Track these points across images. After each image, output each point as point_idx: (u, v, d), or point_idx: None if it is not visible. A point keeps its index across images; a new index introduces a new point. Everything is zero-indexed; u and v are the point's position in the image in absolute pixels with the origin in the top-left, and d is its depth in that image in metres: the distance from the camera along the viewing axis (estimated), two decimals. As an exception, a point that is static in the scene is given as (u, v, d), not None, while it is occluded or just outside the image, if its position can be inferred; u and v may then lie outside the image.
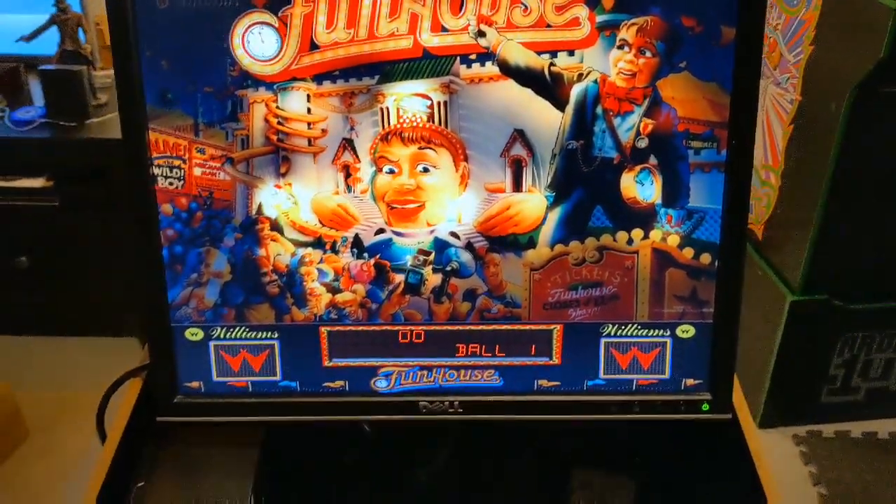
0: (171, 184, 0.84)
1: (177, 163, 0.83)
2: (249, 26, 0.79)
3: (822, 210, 1.69)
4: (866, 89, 1.57)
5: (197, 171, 0.83)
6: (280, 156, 0.83)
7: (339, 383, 0.90)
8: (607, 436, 0.95)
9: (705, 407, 0.88)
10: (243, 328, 0.88)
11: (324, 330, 0.88)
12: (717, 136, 0.81)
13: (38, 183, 2.06)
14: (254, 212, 0.84)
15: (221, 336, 0.88)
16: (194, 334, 0.88)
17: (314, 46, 0.80)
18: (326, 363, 0.89)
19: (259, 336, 0.88)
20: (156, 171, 0.83)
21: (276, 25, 0.79)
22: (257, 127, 0.82)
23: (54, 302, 2.20)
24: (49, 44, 2.04)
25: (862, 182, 1.67)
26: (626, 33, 0.79)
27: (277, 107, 0.81)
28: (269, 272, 0.86)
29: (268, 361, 0.89)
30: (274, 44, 0.80)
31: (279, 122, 0.82)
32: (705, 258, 0.84)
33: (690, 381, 0.89)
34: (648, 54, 0.79)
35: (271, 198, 0.84)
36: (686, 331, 0.87)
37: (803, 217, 1.74)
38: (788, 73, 1.78)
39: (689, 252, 0.85)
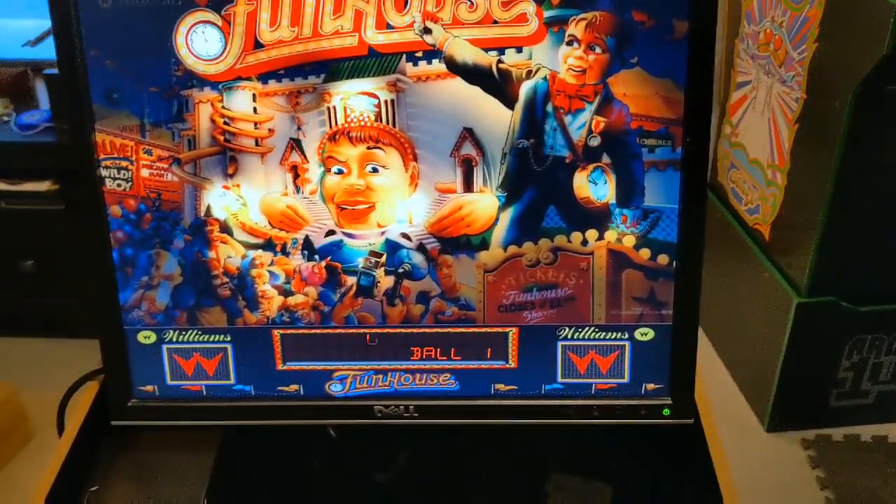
0: (119, 185, 0.83)
1: (124, 164, 0.82)
2: (193, 25, 0.78)
3: (827, 210, 1.65)
4: (870, 87, 1.52)
5: (145, 173, 0.83)
6: (227, 156, 0.82)
7: (293, 387, 0.88)
8: (571, 440, 0.93)
9: (666, 412, 0.86)
10: (195, 331, 0.87)
11: (276, 333, 0.87)
12: (672, 134, 0.78)
13: (43, 187, 2.08)
14: (202, 213, 0.84)
15: (174, 339, 0.87)
16: (147, 337, 0.87)
17: (258, 45, 0.79)
18: (280, 366, 0.88)
19: (212, 339, 0.87)
20: (103, 172, 0.83)
21: (220, 24, 0.78)
22: (203, 127, 0.81)
23: (61, 305, 2.23)
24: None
25: (868, 181, 1.62)
26: (575, 29, 0.76)
27: (223, 106, 0.80)
28: (220, 274, 0.85)
29: (221, 365, 0.88)
30: (218, 43, 0.79)
31: (225, 122, 0.81)
32: (663, 259, 0.82)
33: (651, 386, 0.86)
34: (598, 50, 0.77)
35: (220, 199, 0.83)
36: (645, 333, 0.85)
37: (809, 217, 1.70)
38: (793, 71, 1.74)
39: (645, 253, 0.82)
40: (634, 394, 0.86)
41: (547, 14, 0.76)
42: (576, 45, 0.77)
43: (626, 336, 0.85)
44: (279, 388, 0.88)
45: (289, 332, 0.87)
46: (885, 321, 1.78)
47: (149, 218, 0.84)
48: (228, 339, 0.87)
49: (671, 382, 0.85)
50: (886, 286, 1.75)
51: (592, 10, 0.76)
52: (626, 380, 0.86)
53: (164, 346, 0.88)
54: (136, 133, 0.82)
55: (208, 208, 0.83)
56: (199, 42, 0.79)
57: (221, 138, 0.81)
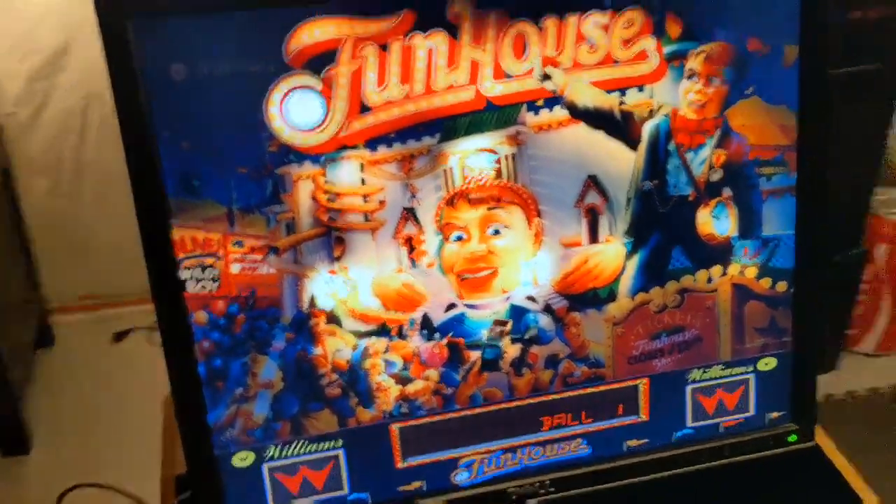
0: (203, 287, 0.70)
1: (209, 261, 0.70)
2: (288, 92, 0.67)
3: None
4: None
5: (235, 268, 0.70)
6: (333, 237, 0.71)
7: (415, 484, 0.79)
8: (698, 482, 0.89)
9: (793, 438, 0.85)
10: (301, 442, 0.75)
11: (395, 428, 0.77)
12: (787, 160, 0.78)
13: None
14: (306, 306, 0.72)
15: (276, 455, 0.75)
16: (243, 459, 0.74)
17: (365, 108, 0.69)
18: (400, 464, 0.78)
19: (320, 447, 0.75)
20: (184, 274, 0.69)
21: (320, 88, 0.68)
22: (304, 207, 0.70)
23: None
24: None
25: None
26: (695, 62, 0.74)
27: (326, 181, 0.70)
28: (329, 372, 0.74)
29: (332, 475, 0.76)
30: (318, 109, 0.69)
31: (329, 199, 0.70)
32: (781, 286, 0.81)
33: (775, 415, 0.85)
34: (717, 82, 0.75)
35: (325, 286, 0.72)
36: (768, 363, 0.83)
37: None
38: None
39: (766, 282, 0.81)
40: (759, 425, 0.85)
41: (667, 49, 0.73)
42: (695, 78, 0.74)
43: (751, 369, 0.83)
44: (399, 488, 0.78)
45: (408, 423, 0.77)
46: None
47: (241, 320, 0.71)
48: (340, 443, 0.76)
49: (794, 407, 0.85)
50: None
51: (710, 41, 0.74)
52: (751, 413, 0.84)
53: (265, 466, 0.75)
54: (223, 224, 0.69)
55: (312, 299, 0.72)
56: (297, 110, 0.68)
57: (325, 217, 0.71)
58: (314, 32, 0.67)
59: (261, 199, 0.69)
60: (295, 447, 0.75)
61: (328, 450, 0.76)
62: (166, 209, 0.67)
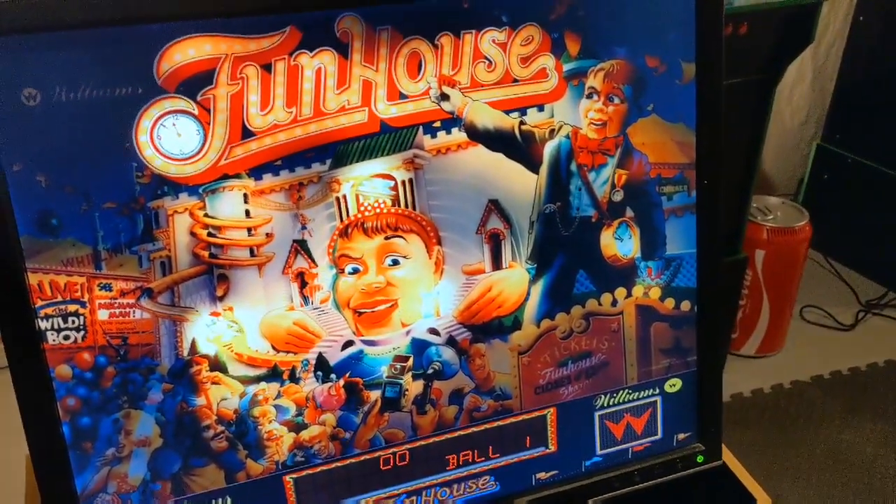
0: (66, 338, 0.62)
1: (73, 308, 0.61)
2: (160, 117, 0.60)
3: None
4: None
5: (102, 315, 0.62)
6: (215, 275, 0.64)
7: (313, 538, 0.73)
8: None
9: (700, 459, 0.84)
10: (185, 503, 0.68)
11: (289, 479, 0.70)
12: (687, 178, 0.77)
13: None
14: (185, 352, 0.65)
15: (156, 520, 0.67)
16: (119, 527, 0.66)
17: (247, 133, 0.63)
18: (296, 518, 0.72)
19: (207, 507, 0.68)
20: (43, 324, 0.61)
21: (196, 112, 0.61)
22: (181, 243, 0.63)
23: None
24: None
25: None
26: (594, 80, 0.71)
27: (206, 214, 0.63)
28: (213, 423, 0.67)
29: (222, 536, 0.70)
30: (195, 135, 0.62)
31: (210, 234, 0.64)
32: (685, 305, 0.80)
33: (682, 436, 0.83)
34: (617, 100, 0.72)
35: (207, 330, 0.65)
36: (674, 385, 0.82)
37: None
38: None
39: (670, 302, 0.79)
40: (667, 448, 0.83)
41: (566, 67, 0.70)
42: (595, 97, 0.72)
43: (657, 391, 0.81)
44: (296, 544, 0.72)
45: (304, 473, 0.71)
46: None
47: (111, 373, 0.63)
48: (229, 501, 0.69)
49: (699, 428, 0.84)
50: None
51: (610, 58, 0.71)
52: (659, 436, 0.82)
53: (144, 533, 0.67)
54: (87, 265, 0.61)
55: (193, 344, 0.65)
56: (170, 137, 0.61)
57: (206, 254, 0.64)
58: (188, 52, 0.60)
59: (131, 236, 0.62)
60: (178, 509, 0.68)
61: (216, 509, 0.69)
62: (20, 251, 0.59)
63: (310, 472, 0.71)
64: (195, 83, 0.61)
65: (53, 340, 0.61)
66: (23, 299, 0.60)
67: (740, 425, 1.74)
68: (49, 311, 0.61)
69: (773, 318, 1.89)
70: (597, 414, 0.80)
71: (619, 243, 0.76)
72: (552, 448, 0.79)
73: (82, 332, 0.62)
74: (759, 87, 1.50)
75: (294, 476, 0.71)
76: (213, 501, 0.68)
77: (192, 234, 0.63)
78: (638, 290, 0.78)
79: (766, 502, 0.86)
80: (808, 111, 2.43)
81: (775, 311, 1.88)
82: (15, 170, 0.58)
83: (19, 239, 0.59)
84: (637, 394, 0.81)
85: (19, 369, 0.61)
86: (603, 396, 0.79)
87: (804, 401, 1.83)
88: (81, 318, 0.62)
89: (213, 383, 0.66)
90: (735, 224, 1.68)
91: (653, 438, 0.82)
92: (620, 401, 0.80)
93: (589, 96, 0.72)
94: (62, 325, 0.62)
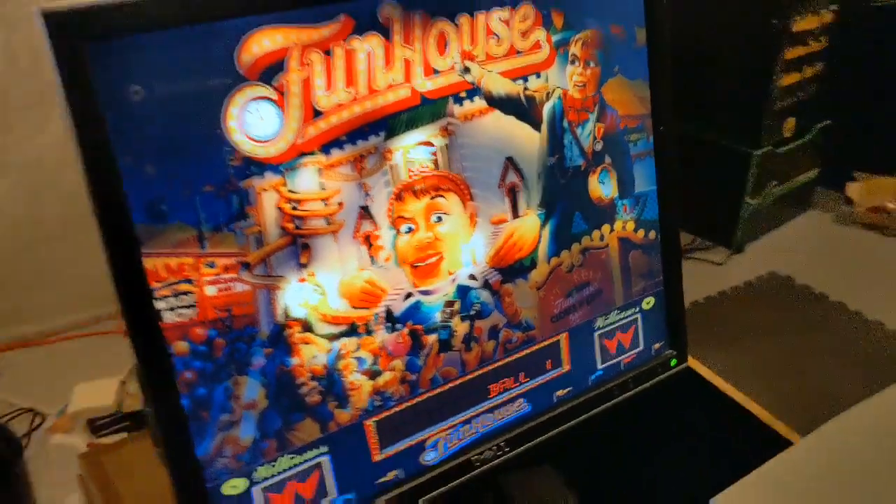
0: (180, 315, 0.66)
1: (184, 287, 0.66)
2: (245, 103, 0.67)
3: None
4: None
5: (210, 291, 0.68)
6: (299, 245, 0.71)
7: (392, 474, 0.80)
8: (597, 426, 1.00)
9: (673, 362, 0.99)
10: (286, 456, 0.74)
11: (370, 423, 0.78)
12: (647, 127, 0.92)
13: None
14: (280, 318, 0.71)
15: (265, 476, 0.73)
16: (234, 487, 0.71)
17: (317, 113, 0.70)
18: (377, 457, 0.79)
19: (305, 458, 0.75)
20: (160, 304, 0.65)
21: (275, 98, 0.68)
22: (270, 218, 0.69)
23: None
24: None
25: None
26: (575, 48, 0.84)
27: (289, 190, 0.70)
28: (307, 380, 0.73)
29: (319, 484, 0.76)
30: (274, 119, 0.68)
31: (293, 207, 0.70)
32: (652, 234, 0.95)
33: (657, 345, 0.99)
34: (592, 64, 0.86)
35: (297, 295, 0.72)
36: (649, 302, 0.97)
37: None
38: None
39: (641, 233, 0.94)
40: (648, 357, 0.98)
41: (554, 38, 0.83)
42: (577, 63, 0.85)
43: (637, 309, 0.96)
44: (377, 481, 0.79)
45: (382, 416, 0.78)
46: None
47: (221, 343, 0.68)
48: (326, 449, 0.75)
49: (670, 336, 0.99)
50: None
51: (584, 29, 0.85)
52: (641, 347, 0.97)
53: (255, 490, 0.72)
54: (193, 245, 0.66)
55: (286, 310, 0.71)
56: (255, 122, 0.67)
57: (291, 226, 0.70)
58: (263, 43, 0.67)
59: (228, 215, 0.68)
60: (281, 463, 0.73)
61: (312, 458, 0.75)
62: (136, 238, 0.63)
63: (386, 414, 0.79)
64: (271, 71, 0.68)
65: (170, 319, 0.66)
66: (142, 286, 0.64)
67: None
68: (164, 291, 0.65)
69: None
70: (596, 334, 0.93)
71: (602, 186, 0.90)
72: (566, 368, 0.91)
73: (194, 309, 0.67)
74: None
75: (374, 420, 0.78)
76: (311, 451, 0.75)
77: (278, 208, 0.70)
78: (618, 225, 0.92)
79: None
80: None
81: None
82: (127, 162, 0.62)
83: (134, 227, 0.63)
84: (624, 313, 0.95)
85: (144, 351, 0.65)
86: (600, 318, 0.93)
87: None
88: (192, 295, 0.67)
89: (305, 343, 0.73)
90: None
91: (637, 350, 0.97)
92: (612, 321, 0.94)
93: (572, 62, 0.85)
94: (176, 304, 0.66)
